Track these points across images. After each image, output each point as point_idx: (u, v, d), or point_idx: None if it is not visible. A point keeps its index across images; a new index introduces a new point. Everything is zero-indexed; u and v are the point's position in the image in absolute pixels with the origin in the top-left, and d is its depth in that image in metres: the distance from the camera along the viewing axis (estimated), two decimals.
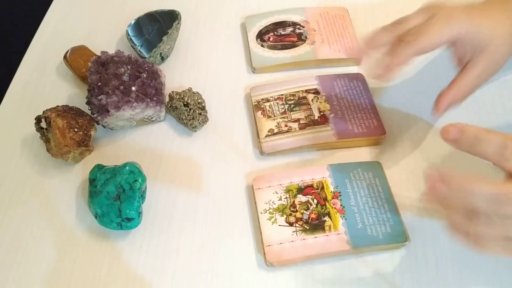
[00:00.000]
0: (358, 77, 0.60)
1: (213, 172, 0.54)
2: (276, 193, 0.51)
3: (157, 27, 0.63)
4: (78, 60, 0.61)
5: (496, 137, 0.37)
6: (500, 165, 0.37)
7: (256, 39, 0.65)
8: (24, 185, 0.54)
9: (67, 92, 0.62)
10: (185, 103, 0.57)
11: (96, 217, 0.49)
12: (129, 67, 0.55)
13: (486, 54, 0.48)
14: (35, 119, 0.54)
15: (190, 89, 0.58)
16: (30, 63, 0.65)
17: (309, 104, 0.58)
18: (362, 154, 0.55)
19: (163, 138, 0.58)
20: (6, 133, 0.59)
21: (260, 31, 0.66)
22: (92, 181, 0.51)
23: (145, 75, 0.56)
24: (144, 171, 0.51)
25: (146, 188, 0.52)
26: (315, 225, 0.49)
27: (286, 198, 0.51)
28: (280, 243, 0.48)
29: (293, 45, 0.64)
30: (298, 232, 0.48)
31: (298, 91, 0.59)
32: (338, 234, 0.48)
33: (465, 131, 0.37)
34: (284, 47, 0.64)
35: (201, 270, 0.48)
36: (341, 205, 0.50)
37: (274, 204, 0.50)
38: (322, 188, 0.51)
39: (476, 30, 0.48)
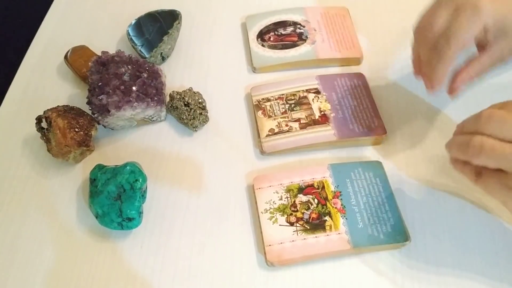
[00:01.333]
0: (359, 77, 0.60)
1: (214, 172, 0.54)
2: (277, 192, 0.51)
3: (157, 27, 0.63)
4: (78, 60, 0.61)
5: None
6: None
7: (257, 39, 0.65)
8: (24, 185, 0.54)
9: (67, 92, 0.62)
10: (185, 103, 0.57)
11: (96, 217, 0.49)
12: (129, 67, 0.55)
13: (509, 38, 0.47)
14: (36, 119, 0.54)
15: (190, 89, 0.58)
16: (31, 63, 0.65)
17: (309, 104, 0.58)
18: (363, 153, 0.55)
19: (164, 138, 0.58)
20: (7, 133, 0.59)
21: (261, 30, 0.66)
22: (92, 181, 0.51)
23: (145, 75, 0.56)
24: (144, 171, 0.51)
25: (146, 188, 0.52)
26: (316, 225, 0.48)
27: (287, 197, 0.51)
28: (281, 243, 0.48)
29: (293, 45, 0.64)
30: (298, 232, 0.48)
31: (299, 91, 0.59)
32: (339, 233, 0.48)
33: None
34: (285, 47, 0.64)
35: (201, 270, 0.48)
36: (341, 204, 0.50)
37: (275, 203, 0.50)
38: (323, 187, 0.51)
39: (503, 18, 0.47)
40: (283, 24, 0.66)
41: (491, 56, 0.49)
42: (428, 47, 0.49)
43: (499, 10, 0.46)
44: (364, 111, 0.57)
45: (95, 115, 0.55)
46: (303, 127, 0.56)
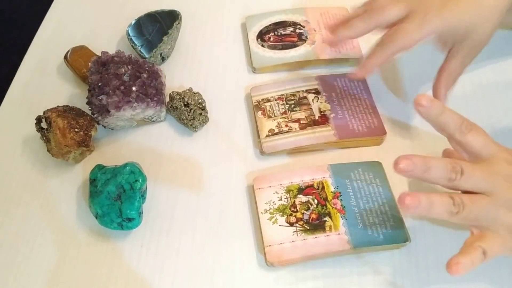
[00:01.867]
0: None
1: (214, 172, 0.54)
2: (277, 193, 0.51)
3: (157, 27, 0.63)
4: (78, 60, 0.61)
5: (442, 161, 0.39)
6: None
7: (257, 39, 0.65)
8: (24, 185, 0.54)
9: (67, 92, 0.62)
10: (185, 103, 0.57)
11: (96, 217, 0.49)
12: (129, 67, 0.55)
13: (468, 41, 0.49)
14: (36, 119, 0.54)
15: (190, 89, 0.58)
16: (31, 63, 0.65)
17: (309, 104, 0.58)
18: (363, 154, 0.55)
19: (164, 138, 0.58)
20: (7, 133, 0.59)
21: (261, 31, 0.66)
22: (92, 181, 0.51)
23: (145, 75, 0.56)
24: (144, 171, 0.51)
25: (146, 188, 0.52)
26: (316, 225, 0.48)
27: (287, 198, 0.51)
28: (281, 243, 0.48)
29: (293, 45, 0.64)
30: (298, 232, 0.48)
31: (299, 91, 0.59)
32: (339, 234, 0.48)
33: (415, 161, 0.38)
34: (285, 47, 0.64)
35: (201, 270, 0.48)
36: (341, 205, 0.50)
37: (275, 204, 0.50)
38: (323, 188, 0.51)
39: (452, 26, 0.48)
40: (283, 24, 0.66)
41: (457, 59, 0.50)
42: (369, 29, 0.51)
43: (447, 20, 0.48)
44: (364, 111, 0.57)
45: (95, 115, 0.55)
46: (303, 127, 0.56)
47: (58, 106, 0.55)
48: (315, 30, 0.65)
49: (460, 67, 0.51)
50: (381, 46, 0.50)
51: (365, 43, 0.64)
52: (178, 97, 0.58)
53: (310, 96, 0.58)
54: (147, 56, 0.61)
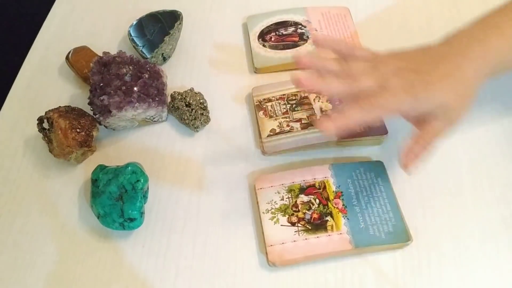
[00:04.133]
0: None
1: (215, 172, 0.54)
2: (278, 193, 0.51)
3: (159, 28, 0.63)
4: (80, 61, 0.62)
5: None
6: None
7: (258, 39, 0.65)
8: (26, 186, 0.54)
9: (69, 92, 0.62)
10: (187, 103, 0.57)
11: (98, 218, 0.49)
12: (131, 67, 0.55)
13: (441, 117, 0.45)
14: (38, 119, 0.54)
15: (192, 89, 0.58)
16: (32, 64, 0.66)
17: (311, 104, 0.58)
18: (364, 153, 0.55)
19: (165, 138, 0.58)
20: (9, 134, 0.59)
21: (262, 31, 0.66)
22: (94, 181, 0.51)
23: (147, 76, 0.56)
24: (146, 171, 0.51)
25: (148, 188, 0.52)
26: (317, 225, 0.48)
27: (288, 198, 0.51)
28: (282, 243, 0.48)
29: (294, 45, 0.64)
30: (300, 232, 0.48)
31: (300, 91, 0.59)
32: (340, 234, 0.48)
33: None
34: (286, 47, 0.64)
35: (203, 270, 0.48)
36: (343, 204, 0.50)
37: (276, 204, 0.50)
38: (324, 188, 0.51)
39: (424, 106, 0.44)
40: (284, 24, 0.66)
41: (433, 133, 0.45)
42: (345, 94, 0.46)
43: (418, 101, 0.43)
44: None
45: (97, 115, 0.55)
46: (304, 127, 0.56)
47: (60, 106, 0.56)
48: (316, 30, 0.65)
49: (435, 139, 0.46)
50: (358, 112, 0.44)
51: (367, 42, 0.64)
52: (179, 97, 0.58)
53: (312, 96, 0.58)
54: (148, 56, 0.61)
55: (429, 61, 0.45)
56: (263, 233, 0.49)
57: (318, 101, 0.58)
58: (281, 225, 0.49)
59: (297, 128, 0.56)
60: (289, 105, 0.58)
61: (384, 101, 0.43)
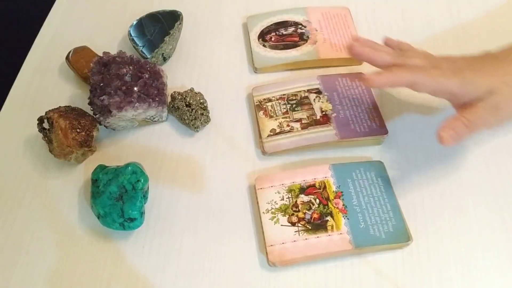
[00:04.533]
0: (360, 77, 0.60)
1: (215, 172, 0.54)
2: (278, 193, 0.51)
3: (159, 28, 0.63)
4: (80, 61, 0.62)
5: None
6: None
7: (258, 39, 0.65)
8: (26, 186, 0.54)
9: (69, 92, 0.62)
10: (187, 103, 0.57)
11: (98, 218, 0.49)
12: (131, 67, 0.55)
13: (487, 101, 0.46)
14: (38, 119, 0.54)
15: (192, 89, 0.58)
16: (33, 64, 0.65)
17: (311, 104, 0.58)
18: (365, 153, 0.55)
19: (165, 138, 0.58)
20: (9, 134, 0.59)
21: (262, 31, 0.66)
22: (94, 181, 0.51)
23: (147, 76, 0.56)
24: (146, 171, 0.51)
25: (148, 188, 0.52)
26: (318, 225, 0.48)
27: (288, 198, 0.51)
28: (283, 243, 0.48)
29: (295, 45, 0.64)
30: (300, 232, 0.48)
31: (300, 91, 0.59)
32: (341, 234, 0.48)
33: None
34: (286, 47, 0.64)
35: (203, 270, 0.48)
36: (343, 204, 0.50)
37: (276, 204, 0.50)
38: (324, 188, 0.51)
39: (471, 89, 0.46)
40: (284, 24, 0.66)
41: (476, 112, 0.46)
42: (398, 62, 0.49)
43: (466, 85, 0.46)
44: (366, 111, 0.57)
45: (97, 115, 0.55)
46: (304, 127, 0.56)
47: (60, 106, 0.56)
48: (316, 30, 0.65)
49: (482, 120, 0.46)
50: (397, 71, 0.47)
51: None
52: (179, 97, 0.58)
53: (312, 96, 0.58)
54: (148, 56, 0.61)
55: (482, 62, 0.48)
56: (263, 233, 0.49)
57: (319, 101, 0.58)
58: (281, 225, 0.49)
59: (297, 128, 0.56)
60: (289, 105, 0.58)
61: (433, 73, 0.46)
